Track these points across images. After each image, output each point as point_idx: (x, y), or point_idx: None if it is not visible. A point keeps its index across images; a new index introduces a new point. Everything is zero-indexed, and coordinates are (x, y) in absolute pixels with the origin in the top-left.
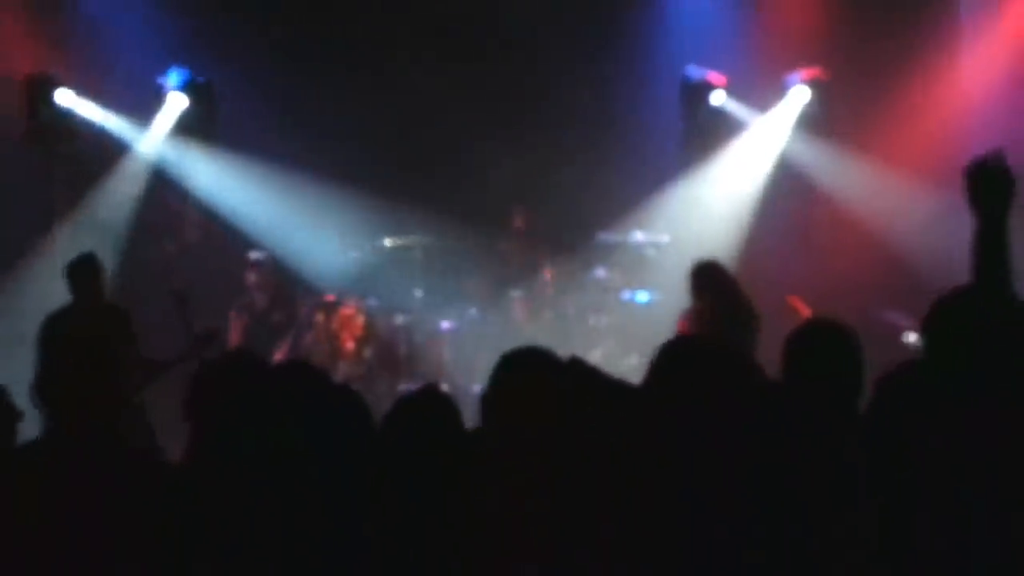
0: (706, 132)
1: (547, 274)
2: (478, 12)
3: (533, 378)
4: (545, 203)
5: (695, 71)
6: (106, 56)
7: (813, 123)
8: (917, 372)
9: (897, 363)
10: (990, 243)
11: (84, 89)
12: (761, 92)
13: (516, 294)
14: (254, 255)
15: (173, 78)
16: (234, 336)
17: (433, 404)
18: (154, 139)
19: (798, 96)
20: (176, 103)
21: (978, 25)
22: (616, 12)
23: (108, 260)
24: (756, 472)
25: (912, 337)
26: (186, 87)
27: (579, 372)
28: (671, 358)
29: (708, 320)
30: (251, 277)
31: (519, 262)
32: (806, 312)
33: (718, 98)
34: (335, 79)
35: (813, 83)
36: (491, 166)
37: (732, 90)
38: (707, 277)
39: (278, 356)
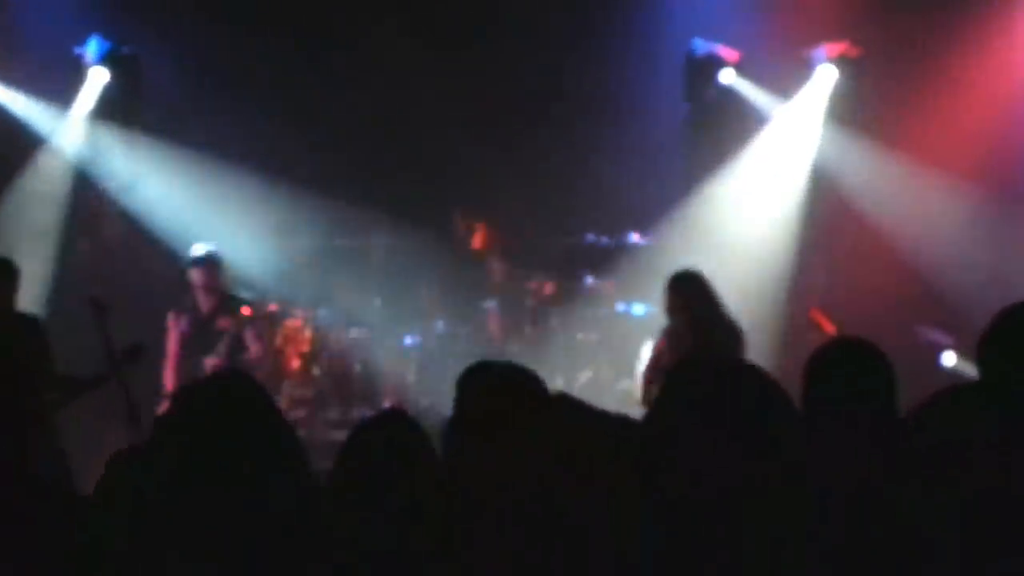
0: (714, 116)
1: (528, 283)
2: None
3: (507, 397)
4: (526, 200)
5: (702, 45)
6: (15, 26)
7: (841, 109)
8: (967, 399)
9: (938, 389)
10: None
11: None
12: (778, 70)
13: (490, 305)
14: (198, 249)
15: (92, 49)
16: (172, 344)
17: (399, 430)
18: (73, 122)
19: (824, 77)
20: (97, 78)
21: None
22: None
23: (22, 261)
24: (786, 521)
25: (951, 359)
26: (107, 59)
27: (566, 407)
28: (684, 384)
29: (686, 342)
30: (195, 275)
31: (494, 268)
32: (830, 329)
33: (728, 76)
34: (282, 54)
35: (841, 61)
36: (463, 157)
37: (745, 68)
38: (683, 291)
39: (210, 363)
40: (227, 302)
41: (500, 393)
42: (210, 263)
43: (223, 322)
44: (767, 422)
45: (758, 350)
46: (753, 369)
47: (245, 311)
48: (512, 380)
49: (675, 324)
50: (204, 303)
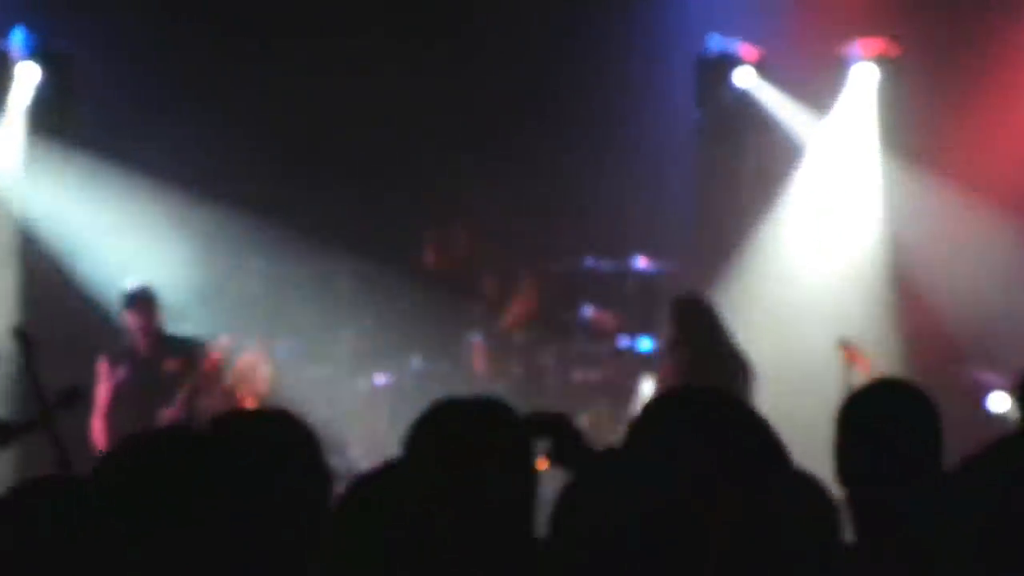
0: (729, 123)
1: (517, 313)
2: None
3: (475, 439)
4: (514, 217)
5: (717, 41)
6: None
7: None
8: (1010, 447)
9: (988, 441)
10: None
11: None
12: (803, 71)
13: (475, 339)
14: (132, 285)
15: (17, 40)
16: (102, 395)
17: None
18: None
19: (861, 79)
20: (27, 77)
21: None
22: None
23: None
24: None
25: (1001, 402)
26: (37, 56)
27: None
28: (659, 420)
29: (686, 372)
30: (130, 317)
31: (479, 296)
32: (864, 364)
33: (744, 78)
34: (234, 59)
35: (879, 61)
36: (439, 169)
37: (766, 68)
38: (685, 317)
39: (169, 414)
40: (169, 342)
41: (465, 435)
42: (144, 302)
43: (170, 364)
44: (750, 458)
45: (783, 384)
46: (737, 402)
47: (212, 361)
48: (482, 418)
49: (678, 354)
50: (142, 345)
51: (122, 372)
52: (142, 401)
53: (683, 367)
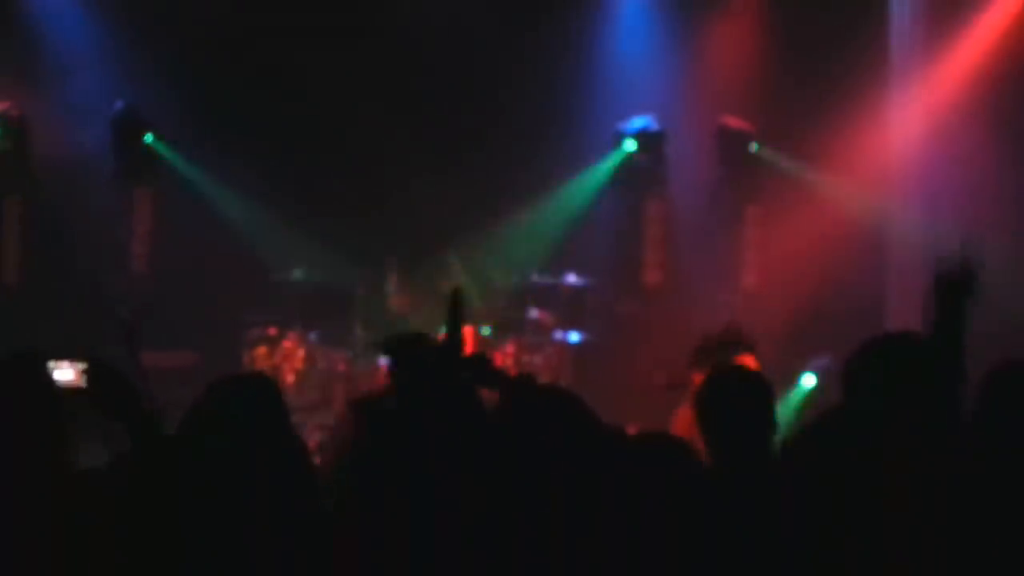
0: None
1: (486, 315)
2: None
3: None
4: (483, 243)
5: (630, 122)
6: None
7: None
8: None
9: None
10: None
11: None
12: (692, 141)
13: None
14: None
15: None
16: None
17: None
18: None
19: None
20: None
21: (908, 75)
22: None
23: None
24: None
25: (808, 382)
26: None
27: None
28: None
29: None
30: None
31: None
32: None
33: (630, 145)
34: (267, 81)
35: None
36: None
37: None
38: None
39: None
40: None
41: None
42: None
43: None
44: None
45: None
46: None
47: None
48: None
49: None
50: None
51: None
52: None
53: None
